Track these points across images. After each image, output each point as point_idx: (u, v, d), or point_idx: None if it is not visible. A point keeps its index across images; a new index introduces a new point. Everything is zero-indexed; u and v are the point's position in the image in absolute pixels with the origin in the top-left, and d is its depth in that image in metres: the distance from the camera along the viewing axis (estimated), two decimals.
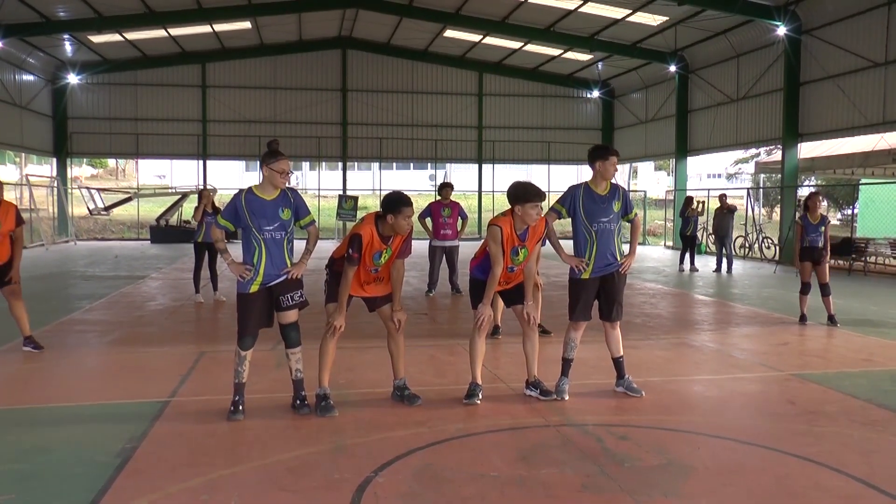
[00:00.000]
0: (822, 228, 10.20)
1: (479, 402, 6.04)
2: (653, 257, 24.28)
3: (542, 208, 6.00)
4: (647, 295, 13.63)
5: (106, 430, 5.35)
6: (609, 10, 24.37)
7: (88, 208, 31.82)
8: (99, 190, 33.86)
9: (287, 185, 5.73)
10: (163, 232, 30.00)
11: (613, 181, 6.42)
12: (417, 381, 6.57)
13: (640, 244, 21.02)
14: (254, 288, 5.66)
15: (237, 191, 5.81)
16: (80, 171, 54.52)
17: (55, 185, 31.20)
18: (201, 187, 32.41)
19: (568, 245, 6.33)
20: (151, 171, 51.77)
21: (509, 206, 6.03)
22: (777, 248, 22.39)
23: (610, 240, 6.27)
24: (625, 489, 4.26)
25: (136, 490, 4.19)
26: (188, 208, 33.19)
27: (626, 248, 6.48)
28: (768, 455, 4.92)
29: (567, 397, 6.21)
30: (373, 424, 5.48)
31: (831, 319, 10.19)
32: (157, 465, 4.61)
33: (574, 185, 6.47)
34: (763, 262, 22.54)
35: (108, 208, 32.46)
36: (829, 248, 10.37)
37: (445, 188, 13.06)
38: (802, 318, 10.34)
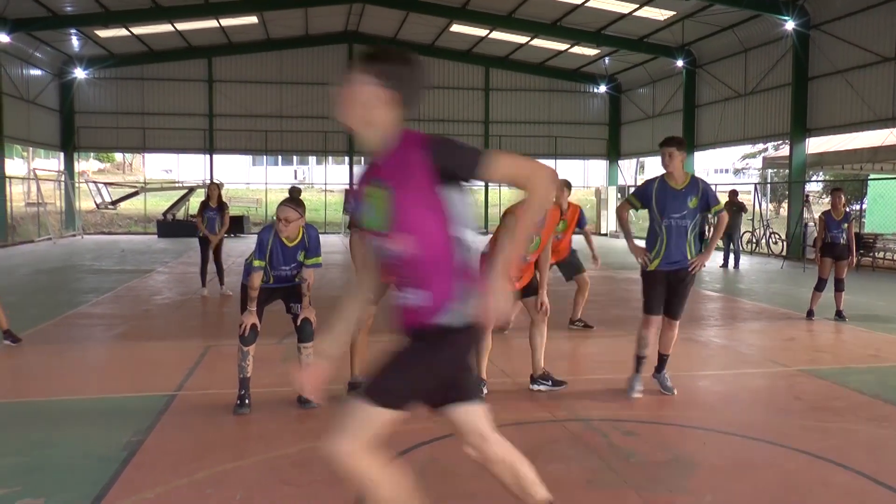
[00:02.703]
0: (846, 225, 10.13)
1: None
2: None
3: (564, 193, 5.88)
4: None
5: (112, 423, 5.36)
6: (616, 5, 24.28)
7: (95, 202, 31.91)
8: (106, 184, 33.97)
9: (285, 230, 5.63)
10: (169, 226, 30.07)
11: (695, 175, 6.15)
12: None
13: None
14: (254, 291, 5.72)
15: (266, 226, 5.80)
16: (87, 165, 54.64)
17: (62, 179, 31.30)
18: (208, 181, 32.51)
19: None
20: (158, 166, 51.86)
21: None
22: (784, 243, 22.31)
23: (681, 237, 5.98)
24: (630, 484, 4.24)
25: (142, 483, 4.20)
26: (195, 202, 33.28)
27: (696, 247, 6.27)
28: (775, 451, 4.90)
29: (638, 396, 6.06)
30: None
31: (839, 315, 10.15)
32: (163, 459, 4.62)
33: (652, 177, 6.28)
34: (770, 257, 22.47)
35: (114, 202, 32.56)
36: (853, 247, 10.26)
37: None
38: (810, 314, 10.30)
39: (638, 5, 23.90)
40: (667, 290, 6.12)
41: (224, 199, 12.66)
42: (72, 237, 29.16)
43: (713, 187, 6.12)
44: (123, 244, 25.54)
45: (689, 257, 6.02)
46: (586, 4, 24.42)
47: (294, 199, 5.81)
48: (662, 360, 6.30)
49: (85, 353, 7.97)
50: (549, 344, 8.04)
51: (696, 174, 6.52)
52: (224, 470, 4.42)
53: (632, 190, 6.35)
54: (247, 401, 5.68)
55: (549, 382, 6.27)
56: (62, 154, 32.09)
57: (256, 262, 5.65)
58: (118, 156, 59.62)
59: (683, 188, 5.98)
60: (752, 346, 8.56)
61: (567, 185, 8.55)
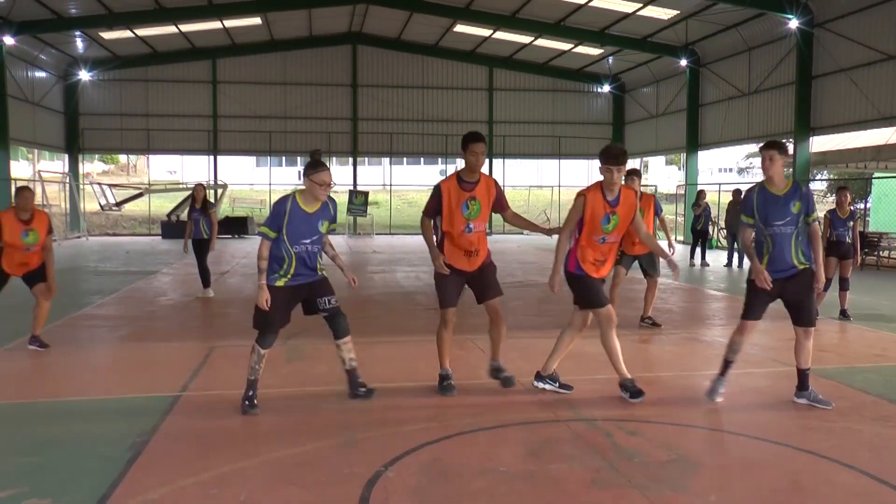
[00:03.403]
0: (851, 223, 10.12)
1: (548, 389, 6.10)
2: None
3: (618, 172, 5.73)
4: (658, 290, 13.57)
5: (117, 424, 5.38)
6: (620, 5, 24.27)
7: (100, 204, 31.98)
8: (110, 186, 34.05)
9: (327, 193, 5.58)
10: (173, 227, 30.10)
11: (797, 180, 5.92)
12: (429, 376, 6.57)
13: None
14: (280, 282, 5.60)
15: (283, 196, 5.64)
16: (91, 167, 54.75)
17: (67, 180, 31.38)
18: (212, 182, 32.55)
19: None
20: (162, 167, 51.95)
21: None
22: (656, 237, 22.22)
23: (786, 245, 5.76)
24: (634, 484, 4.25)
25: (147, 483, 4.21)
26: None
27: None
28: (778, 450, 4.90)
29: (720, 399, 5.94)
30: (382, 419, 5.49)
31: (844, 314, 10.14)
32: (168, 459, 4.63)
33: (751, 188, 6.05)
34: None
35: (119, 204, 32.63)
36: (858, 246, 10.26)
37: None
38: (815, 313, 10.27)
39: (641, 5, 23.89)
40: (782, 298, 5.92)
41: (209, 199, 12.55)
42: (76, 239, 29.22)
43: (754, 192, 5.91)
44: (128, 245, 25.60)
45: (795, 264, 5.79)
46: (590, 4, 24.41)
47: (321, 161, 5.66)
48: (803, 376, 5.99)
49: (90, 354, 8.00)
50: (551, 344, 8.06)
51: (700, 173, 6.47)
52: (229, 470, 4.43)
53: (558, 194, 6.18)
54: (255, 401, 5.66)
55: (628, 394, 6.17)
56: (67, 156, 32.18)
57: (265, 228, 5.48)
58: (122, 157, 59.76)
59: (785, 193, 5.76)
60: (757, 345, 8.54)
61: (637, 174, 8.61)
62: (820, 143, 23.02)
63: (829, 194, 36.19)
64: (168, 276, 15.73)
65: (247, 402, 5.65)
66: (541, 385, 6.27)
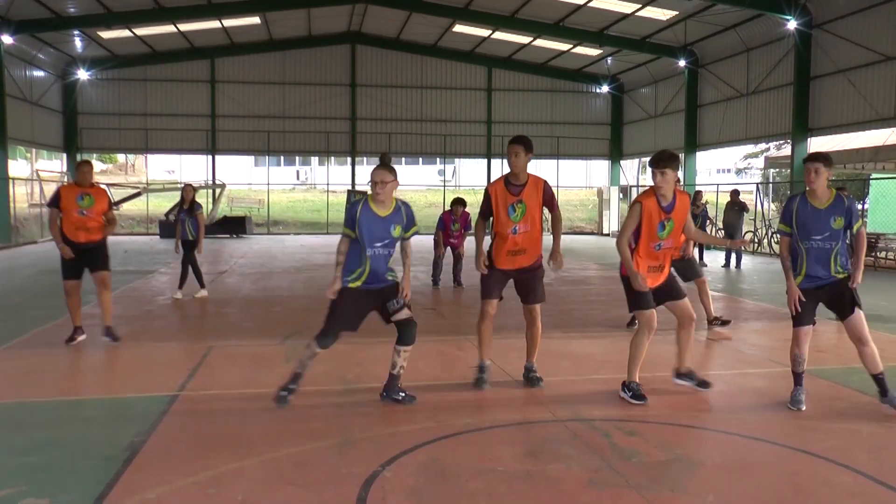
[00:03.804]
0: None
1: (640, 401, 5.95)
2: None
3: (662, 175, 5.73)
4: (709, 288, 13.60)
5: (115, 423, 5.38)
6: (619, 5, 24.28)
7: None
8: (108, 185, 33.99)
9: (381, 192, 5.62)
10: (171, 227, 29.95)
11: (840, 191, 5.72)
12: (425, 376, 6.57)
13: None
14: (354, 283, 5.67)
15: (355, 201, 5.81)
16: None
17: (65, 180, 31.34)
18: (210, 182, 32.54)
19: None
20: (160, 167, 51.91)
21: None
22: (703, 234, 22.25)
23: (823, 259, 5.64)
24: (632, 484, 4.25)
25: (144, 483, 4.21)
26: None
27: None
28: (776, 451, 4.90)
29: (803, 407, 5.83)
30: (380, 419, 5.49)
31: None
32: (166, 459, 4.63)
33: (793, 195, 5.97)
34: (772, 257, 22.44)
35: (117, 203, 32.55)
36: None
37: (456, 205, 13.76)
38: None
39: (640, 5, 23.89)
40: (827, 304, 5.86)
41: (196, 200, 12.46)
42: None
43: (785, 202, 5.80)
44: (126, 245, 25.57)
45: (833, 275, 5.69)
46: (589, 5, 24.41)
47: (385, 163, 5.83)
48: (879, 381, 5.78)
49: (88, 354, 7.99)
50: (552, 343, 8.06)
51: (698, 173, 6.45)
52: (227, 470, 4.43)
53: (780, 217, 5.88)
54: (291, 395, 5.75)
55: (694, 381, 6.29)
56: (65, 155, 32.15)
57: (344, 228, 5.68)
58: (121, 157, 59.69)
59: (827, 207, 5.60)
60: (754, 345, 8.56)
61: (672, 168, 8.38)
62: (818, 144, 23.02)
63: None
64: (166, 276, 15.71)
65: (283, 392, 5.73)
66: (679, 382, 6.37)
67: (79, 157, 32.88)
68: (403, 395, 5.89)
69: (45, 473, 4.38)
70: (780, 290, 13.67)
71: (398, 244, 5.80)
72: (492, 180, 6.33)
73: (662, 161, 5.78)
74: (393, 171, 5.68)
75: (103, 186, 8.31)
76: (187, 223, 12.01)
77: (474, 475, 4.38)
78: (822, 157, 5.69)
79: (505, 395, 6.18)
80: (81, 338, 8.28)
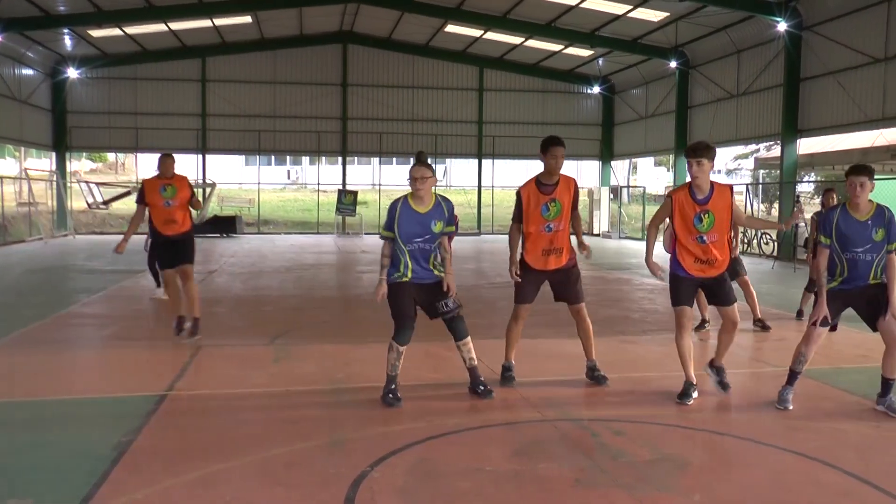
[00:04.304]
0: None
1: (690, 402, 5.96)
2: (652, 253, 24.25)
3: (697, 165, 5.75)
4: (644, 290, 13.63)
5: (103, 423, 5.35)
6: (610, 6, 24.31)
7: (87, 202, 31.79)
8: (98, 184, 33.84)
9: (422, 189, 5.72)
10: None
11: (881, 204, 5.68)
12: (416, 377, 6.57)
13: (637, 238, 20.81)
14: (404, 279, 5.79)
15: (394, 200, 5.87)
16: (79, 165, 54.44)
17: (54, 179, 31.20)
18: (201, 181, 32.42)
19: None
20: (151, 166, 51.59)
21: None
22: (775, 244, 22.37)
23: (865, 270, 5.61)
24: (619, 484, 4.26)
25: (131, 483, 4.20)
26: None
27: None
28: (764, 450, 4.92)
29: (790, 407, 5.85)
30: (369, 419, 5.49)
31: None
32: (154, 459, 4.62)
33: (833, 206, 5.98)
34: (761, 258, 22.53)
35: (106, 202, 32.43)
36: None
37: None
38: (800, 314, 10.32)
39: (632, 7, 23.93)
40: (858, 307, 5.83)
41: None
42: (63, 237, 29.07)
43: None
44: (115, 244, 25.45)
45: (870, 281, 5.66)
46: (580, 6, 24.44)
47: (423, 161, 6.00)
48: (886, 384, 5.77)
49: (76, 354, 7.96)
50: (541, 344, 8.07)
51: (685, 176, 6.46)
52: (215, 470, 4.42)
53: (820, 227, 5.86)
54: (398, 394, 5.81)
55: (716, 379, 6.34)
56: (54, 154, 31.98)
57: (383, 231, 5.80)
58: (111, 155, 59.47)
59: (868, 219, 5.57)
60: (743, 346, 8.59)
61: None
62: (807, 146, 23.13)
63: (815, 196, 36.40)
64: None
65: (390, 395, 5.80)
66: (709, 373, 6.41)
67: (68, 156, 32.76)
68: (483, 388, 5.99)
69: (32, 473, 4.36)
70: (768, 291, 13.75)
71: (437, 240, 5.87)
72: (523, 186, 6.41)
73: (699, 150, 5.80)
74: (431, 168, 5.84)
75: (184, 176, 8.60)
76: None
77: (463, 475, 4.38)
78: (869, 171, 5.63)
79: (494, 395, 6.18)
80: (188, 325, 8.38)
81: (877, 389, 5.86)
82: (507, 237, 6.73)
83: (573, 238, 6.45)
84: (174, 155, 8.67)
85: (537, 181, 6.36)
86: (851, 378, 6.90)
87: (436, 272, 5.86)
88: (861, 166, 5.69)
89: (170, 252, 8.41)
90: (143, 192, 8.33)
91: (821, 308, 5.73)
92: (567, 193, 6.31)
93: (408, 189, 5.93)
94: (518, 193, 6.37)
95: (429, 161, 6.46)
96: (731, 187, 6.11)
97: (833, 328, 5.98)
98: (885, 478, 4.40)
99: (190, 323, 8.41)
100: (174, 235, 8.34)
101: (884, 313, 5.61)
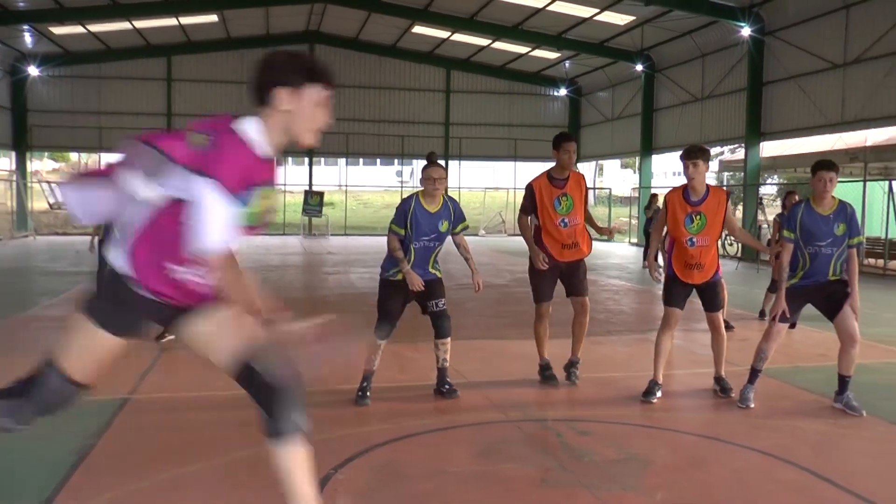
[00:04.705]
0: None
1: (654, 401, 6.05)
2: (617, 254, 24.49)
3: (693, 167, 5.85)
4: (610, 291, 13.75)
5: (62, 427, 5.23)
6: (577, 9, 24.51)
7: (49, 203, 31.27)
8: (60, 184, 33.29)
9: (440, 189, 5.86)
10: None
11: (843, 200, 5.80)
12: (381, 378, 6.55)
13: (604, 241, 20.89)
14: (398, 277, 5.82)
15: (407, 196, 6.02)
16: (40, 164, 53.58)
17: (14, 178, 30.64)
18: None
19: None
20: None
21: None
22: (739, 245, 22.69)
23: (825, 263, 5.72)
24: (584, 483, 4.30)
25: (92, 488, 4.14)
26: None
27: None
28: (725, 448, 5.00)
29: (752, 405, 5.92)
30: (333, 421, 5.46)
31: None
32: (115, 463, 4.56)
33: (797, 202, 6.06)
34: (725, 258, 22.83)
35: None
36: None
37: None
38: (762, 314, 10.48)
39: (598, 10, 24.15)
40: (817, 303, 5.93)
41: None
42: (24, 238, 28.56)
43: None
44: (78, 245, 25.06)
45: (829, 276, 5.78)
46: (547, 8, 24.60)
47: (435, 161, 6.09)
48: (844, 382, 5.86)
49: (35, 357, 7.80)
50: (507, 345, 8.11)
51: (655, 176, 6.60)
52: (179, 474, 4.37)
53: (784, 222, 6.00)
54: (368, 393, 5.84)
55: (720, 386, 6.38)
56: (14, 153, 31.42)
57: (394, 226, 5.85)
58: (74, 155, 58.53)
59: (830, 214, 5.70)
60: (706, 346, 8.64)
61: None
62: (770, 148, 23.51)
63: (778, 198, 36.97)
64: None
65: (360, 394, 5.83)
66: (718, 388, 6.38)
67: (28, 156, 32.21)
68: (447, 387, 6.02)
69: None
70: (731, 292, 13.89)
71: (444, 240, 5.98)
72: (533, 177, 6.57)
73: (695, 153, 5.92)
74: (444, 169, 5.99)
75: None
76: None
77: (427, 477, 4.39)
78: (836, 167, 5.78)
79: (460, 396, 6.19)
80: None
81: (834, 387, 5.97)
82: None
83: (590, 229, 6.60)
84: None
85: (549, 175, 6.43)
86: (810, 377, 7.02)
87: (432, 270, 5.96)
88: (830, 162, 5.83)
89: None
90: None
91: (780, 302, 5.83)
92: (578, 189, 6.41)
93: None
94: (530, 186, 6.45)
95: (439, 161, 6.52)
96: (727, 193, 6.21)
97: (793, 325, 6.11)
98: (839, 473, 4.49)
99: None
100: None
101: (844, 305, 5.74)
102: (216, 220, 2.53)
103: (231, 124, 2.57)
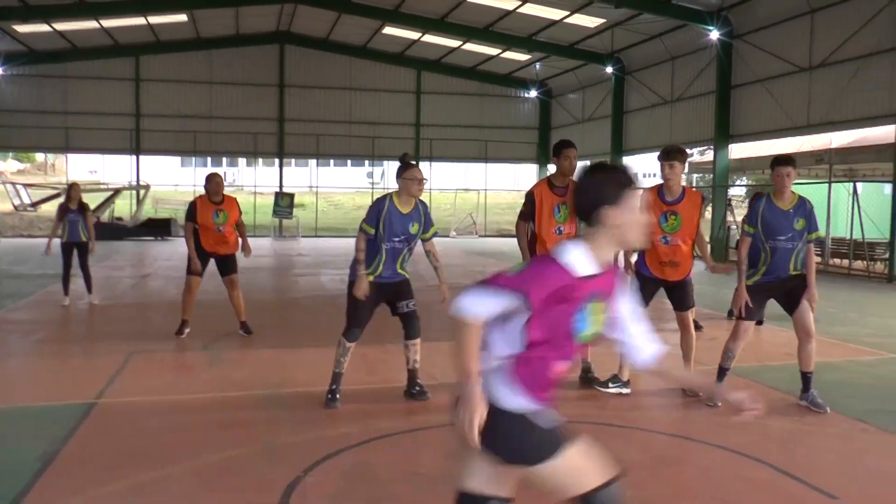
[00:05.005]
0: None
1: (608, 390, 6.24)
2: None
3: (669, 168, 6.00)
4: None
5: (28, 432, 5.19)
6: (547, 12, 24.61)
7: (14, 204, 30.81)
8: (25, 185, 32.81)
9: (421, 190, 5.88)
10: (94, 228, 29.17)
11: (803, 196, 5.89)
12: (351, 380, 6.53)
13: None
14: (369, 278, 5.79)
15: (380, 196, 5.97)
16: (5, 165, 52.77)
17: None
18: (135, 183, 31.71)
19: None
20: (83, 167, 50.34)
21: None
22: (709, 245, 22.93)
23: (786, 259, 5.81)
24: None
25: (57, 493, 4.08)
26: (120, 204, 32.39)
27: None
28: (694, 447, 5.05)
29: (720, 403, 5.91)
30: (304, 424, 5.44)
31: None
32: (81, 468, 4.49)
33: (758, 195, 6.11)
34: (695, 259, 23.04)
35: (34, 204, 31.47)
36: None
37: None
38: (731, 314, 10.58)
39: (569, 12, 24.28)
40: (778, 298, 6.02)
41: (84, 202, 11.98)
42: None
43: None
44: (44, 247, 24.69)
45: (791, 271, 5.86)
46: (518, 10, 24.68)
47: (411, 162, 6.03)
48: (806, 379, 5.98)
49: (1, 361, 7.69)
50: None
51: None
52: (146, 478, 4.32)
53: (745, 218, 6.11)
54: (338, 395, 5.80)
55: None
56: None
57: (365, 225, 5.79)
58: (39, 156, 57.72)
59: (790, 208, 5.79)
60: (675, 345, 8.73)
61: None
62: (739, 151, 23.80)
63: (746, 199, 37.43)
64: None
65: (329, 396, 5.79)
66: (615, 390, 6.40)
67: None
68: (418, 389, 6.02)
69: None
70: (700, 292, 14.03)
71: (413, 242, 5.96)
72: (535, 182, 6.53)
73: (671, 154, 6.05)
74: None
75: (232, 195, 9.01)
76: (79, 225, 11.45)
77: (397, 479, 4.38)
78: (793, 161, 5.89)
79: (431, 397, 6.19)
80: (187, 331, 8.69)
81: (799, 385, 6.06)
82: (444, 239, 6.80)
83: None
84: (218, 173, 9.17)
85: (549, 182, 6.44)
86: (777, 375, 7.12)
87: (401, 271, 5.96)
88: (787, 157, 5.96)
89: (218, 265, 8.78)
90: (195, 211, 8.49)
91: (741, 294, 5.92)
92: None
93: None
94: (531, 193, 6.45)
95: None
96: (702, 195, 6.30)
97: (759, 322, 6.18)
98: (804, 469, 4.56)
99: (239, 326, 8.84)
100: (223, 256, 8.71)
101: (798, 304, 5.86)
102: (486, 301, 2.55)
103: (550, 252, 2.64)
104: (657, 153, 6.27)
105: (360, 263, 5.77)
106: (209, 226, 8.49)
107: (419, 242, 6.07)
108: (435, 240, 6.20)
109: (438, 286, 6.09)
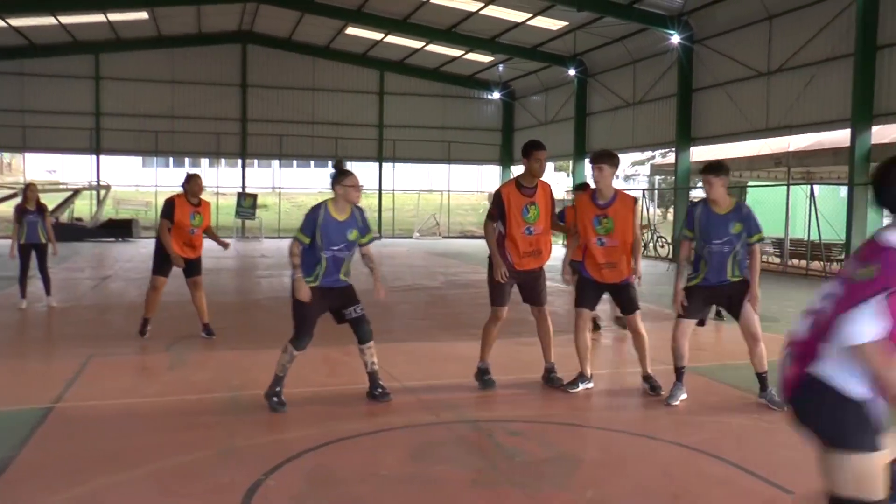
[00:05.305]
0: None
1: (576, 390, 6.30)
2: (552, 255, 24.76)
3: (599, 171, 6.11)
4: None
5: None
6: (510, 14, 24.72)
7: None
8: None
9: (360, 196, 5.87)
10: (53, 229, 28.63)
11: (740, 201, 6.01)
12: (311, 381, 6.52)
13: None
14: (311, 284, 5.74)
15: (315, 204, 5.87)
16: None
17: None
18: (94, 183, 31.20)
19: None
20: (41, 166, 49.32)
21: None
22: (670, 246, 23.23)
23: (723, 262, 5.89)
24: (515, 483, 4.34)
25: (11, 501, 4.00)
26: (80, 205, 31.81)
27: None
28: (653, 445, 5.11)
29: (677, 403, 6.05)
30: (265, 426, 5.41)
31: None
32: (37, 475, 4.41)
33: (696, 202, 6.23)
34: (657, 260, 23.32)
35: None
36: None
37: None
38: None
39: (531, 15, 24.41)
40: (721, 303, 6.25)
41: (42, 202, 11.81)
42: None
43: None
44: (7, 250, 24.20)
45: (729, 278, 5.93)
46: (481, 12, 24.76)
47: (346, 169, 6.03)
48: (762, 379, 6.06)
49: None
50: (440, 347, 8.13)
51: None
52: (104, 483, 4.26)
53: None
54: (282, 398, 5.76)
55: (649, 385, 6.43)
56: None
57: (300, 234, 5.71)
58: None
59: (727, 213, 5.89)
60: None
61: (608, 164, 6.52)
62: (700, 153, 24.11)
63: None
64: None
65: (274, 399, 5.73)
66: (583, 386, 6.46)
67: None
68: (380, 391, 5.99)
69: None
70: (663, 292, 14.24)
71: (353, 249, 5.91)
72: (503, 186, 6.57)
73: (599, 158, 6.18)
74: None
75: (207, 200, 8.81)
76: (38, 226, 11.28)
77: (359, 480, 4.37)
78: (713, 169, 5.96)
79: (393, 399, 6.19)
80: (149, 329, 8.74)
81: (757, 383, 6.17)
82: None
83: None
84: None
85: (518, 183, 6.44)
86: (737, 374, 7.22)
87: (343, 277, 5.90)
88: (709, 166, 6.05)
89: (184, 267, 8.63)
90: (173, 209, 8.34)
91: (677, 293, 6.07)
92: (545, 197, 6.44)
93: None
94: (498, 193, 6.44)
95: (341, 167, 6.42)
96: (635, 199, 6.37)
97: (701, 323, 6.35)
98: (761, 465, 4.64)
99: (201, 329, 8.77)
100: (190, 259, 8.56)
101: (744, 303, 5.96)
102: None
103: (881, 243, 2.64)
104: (620, 154, 6.41)
105: (295, 269, 5.74)
106: (184, 226, 8.40)
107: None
108: (371, 245, 6.14)
109: (374, 286, 6.13)
